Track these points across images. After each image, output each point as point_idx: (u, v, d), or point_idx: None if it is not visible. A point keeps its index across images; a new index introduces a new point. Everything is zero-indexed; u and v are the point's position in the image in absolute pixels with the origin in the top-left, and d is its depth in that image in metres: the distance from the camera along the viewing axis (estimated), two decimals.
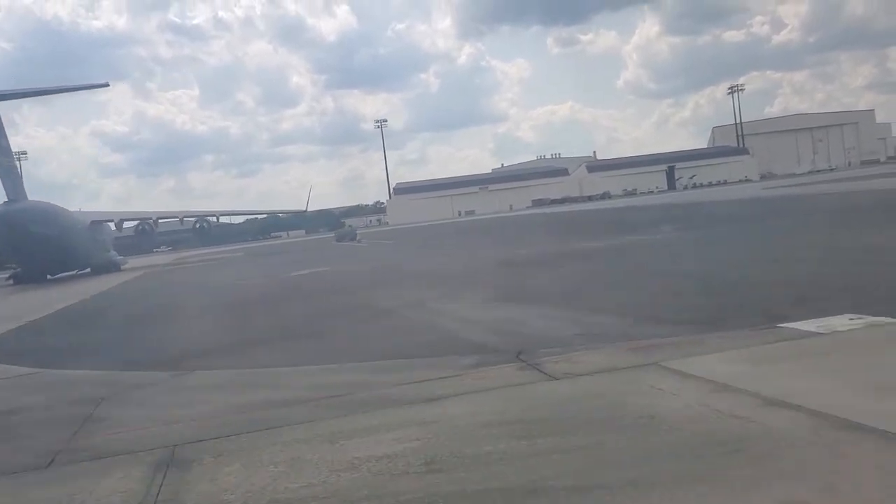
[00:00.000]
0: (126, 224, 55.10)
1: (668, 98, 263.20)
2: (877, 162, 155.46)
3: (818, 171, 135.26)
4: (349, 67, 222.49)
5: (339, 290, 19.84)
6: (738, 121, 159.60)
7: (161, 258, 78.66)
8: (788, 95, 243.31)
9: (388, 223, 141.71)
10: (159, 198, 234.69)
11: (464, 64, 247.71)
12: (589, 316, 10.49)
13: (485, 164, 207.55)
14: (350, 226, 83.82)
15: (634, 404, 5.43)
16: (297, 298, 19.19)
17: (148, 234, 54.20)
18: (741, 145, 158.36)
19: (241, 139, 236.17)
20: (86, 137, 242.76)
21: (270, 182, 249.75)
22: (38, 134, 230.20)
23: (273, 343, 11.66)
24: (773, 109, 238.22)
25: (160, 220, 56.59)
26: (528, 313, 11.37)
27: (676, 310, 10.08)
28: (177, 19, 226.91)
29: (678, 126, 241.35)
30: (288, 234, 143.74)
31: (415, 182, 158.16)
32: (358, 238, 64.18)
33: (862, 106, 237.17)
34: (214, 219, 62.13)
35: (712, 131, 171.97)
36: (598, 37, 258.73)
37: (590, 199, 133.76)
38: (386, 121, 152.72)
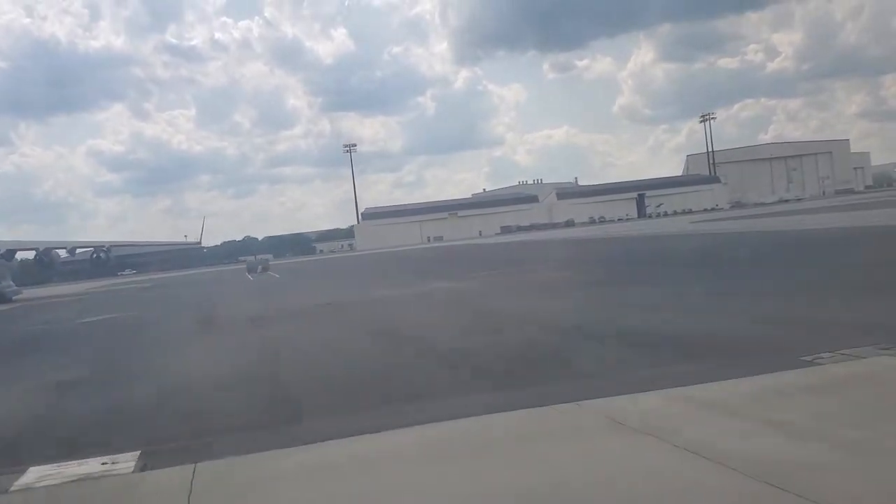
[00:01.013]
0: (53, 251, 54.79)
1: (663, 124, 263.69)
2: (851, 191, 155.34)
3: (785, 200, 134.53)
4: (345, 90, 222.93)
5: None
6: (709, 149, 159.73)
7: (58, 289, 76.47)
8: (783, 122, 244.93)
9: (355, 248, 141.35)
10: (154, 217, 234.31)
11: (460, 88, 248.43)
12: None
13: (480, 187, 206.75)
14: (262, 257, 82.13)
15: None
16: None
17: (47, 264, 53.80)
18: (713, 173, 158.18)
19: (237, 160, 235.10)
20: (82, 157, 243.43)
21: (265, 203, 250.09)
22: (34, 153, 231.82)
23: None
24: (767, 136, 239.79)
25: (56, 250, 56.11)
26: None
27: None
28: (174, 40, 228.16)
29: (673, 152, 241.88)
30: (256, 257, 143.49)
31: (384, 207, 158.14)
32: (268, 269, 63.18)
33: (856, 133, 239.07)
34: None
35: (686, 159, 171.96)
36: (595, 62, 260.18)
37: (554, 226, 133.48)
38: (355, 145, 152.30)
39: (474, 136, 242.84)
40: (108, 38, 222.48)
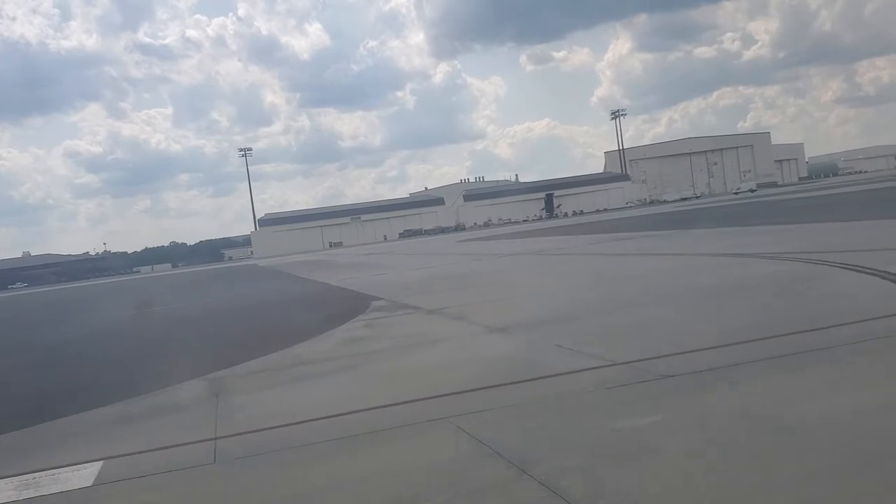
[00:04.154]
0: None
1: (642, 114, 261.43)
2: (774, 185, 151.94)
3: (685, 199, 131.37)
4: (323, 85, 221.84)
5: None
6: (620, 146, 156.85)
7: None
8: (761, 110, 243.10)
9: (253, 255, 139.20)
10: (135, 218, 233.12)
11: (439, 82, 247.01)
12: None
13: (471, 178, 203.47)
14: None
15: None
16: None
17: None
18: (623, 171, 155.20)
19: (216, 158, 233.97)
20: (59, 158, 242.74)
21: (245, 201, 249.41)
22: (10, 155, 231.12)
23: None
24: (746, 124, 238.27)
25: None
26: None
27: None
28: (149, 39, 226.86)
29: (652, 141, 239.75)
30: (153, 269, 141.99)
31: (283, 213, 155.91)
32: None
33: (834, 120, 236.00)
34: None
35: (605, 156, 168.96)
36: (572, 54, 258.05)
37: (444, 230, 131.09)
38: (251, 149, 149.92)
39: (455, 130, 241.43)
40: (79, 37, 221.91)
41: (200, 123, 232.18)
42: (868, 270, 10.58)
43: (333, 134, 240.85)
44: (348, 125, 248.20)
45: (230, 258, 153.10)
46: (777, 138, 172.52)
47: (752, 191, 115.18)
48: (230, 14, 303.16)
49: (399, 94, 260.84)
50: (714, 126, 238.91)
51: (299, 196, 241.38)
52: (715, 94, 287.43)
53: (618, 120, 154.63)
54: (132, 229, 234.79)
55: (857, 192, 50.48)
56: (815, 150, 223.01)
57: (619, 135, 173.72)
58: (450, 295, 15.79)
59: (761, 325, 7.85)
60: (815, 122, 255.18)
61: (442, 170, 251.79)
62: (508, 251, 33.33)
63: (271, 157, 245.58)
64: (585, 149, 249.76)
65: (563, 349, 7.97)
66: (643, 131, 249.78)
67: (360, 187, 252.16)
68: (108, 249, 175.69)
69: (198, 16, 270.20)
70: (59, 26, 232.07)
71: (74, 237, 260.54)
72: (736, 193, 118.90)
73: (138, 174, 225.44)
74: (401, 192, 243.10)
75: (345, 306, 15.85)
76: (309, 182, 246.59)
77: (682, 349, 7.11)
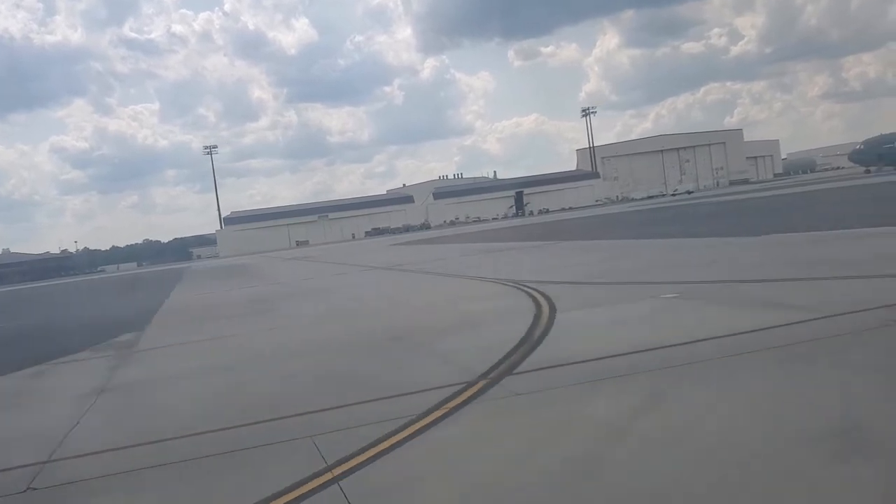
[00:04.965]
0: None
1: (629, 109, 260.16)
2: (746, 182, 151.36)
3: (650, 197, 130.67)
4: (310, 80, 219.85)
5: None
6: (591, 144, 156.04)
7: None
8: (748, 105, 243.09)
9: (219, 255, 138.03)
10: (122, 214, 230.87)
11: (427, 77, 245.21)
12: None
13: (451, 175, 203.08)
14: None
15: None
16: None
17: None
18: (594, 169, 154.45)
19: (204, 153, 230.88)
20: (46, 154, 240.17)
21: (233, 196, 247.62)
22: None
23: None
24: (734, 119, 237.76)
25: None
26: None
27: None
28: (135, 34, 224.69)
29: (639, 136, 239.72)
30: (118, 267, 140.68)
31: (250, 211, 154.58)
32: None
33: (820, 115, 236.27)
34: None
35: (577, 154, 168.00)
36: (560, 49, 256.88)
37: (408, 229, 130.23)
38: (216, 146, 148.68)
39: (444, 125, 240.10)
40: (64, 32, 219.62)
41: (187, 119, 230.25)
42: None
43: (321, 129, 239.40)
44: (336, 120, 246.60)
45: (199, 256, 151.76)
46: (763, 133, 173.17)
47: (690, 192, 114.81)
48: (216, 9, 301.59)
49: (387, 89, 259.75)
50: (702, 121, 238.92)
51: (287, 192, 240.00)
52: (702, 89, 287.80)
53: (588, 117, 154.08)
54: (117, 226, 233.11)
55: (796, 193, 49.24)
56: (801, 146, 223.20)
57: (590, 132, 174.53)
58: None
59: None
60: (802, 117, 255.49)
61: (430, 165, 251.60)
62: (387, 263, 32.47)
63: (258, 152, 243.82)
64: (573, 144, 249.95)
65: None
66: (631, 126, 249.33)
67: (349, 183, 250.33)
68: (79, 248, 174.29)
69: (184, 10, 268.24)
70: (43, 21, 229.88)
71: (59, 234, 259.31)
72: (673, 195, 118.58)
73: (124, 170, 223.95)
74: (392, 188, 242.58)
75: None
76: (297, 178, 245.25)
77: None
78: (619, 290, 11.95)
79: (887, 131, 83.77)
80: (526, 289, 13.37)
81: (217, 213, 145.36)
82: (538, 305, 11.05)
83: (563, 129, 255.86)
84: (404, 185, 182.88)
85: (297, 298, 20.03)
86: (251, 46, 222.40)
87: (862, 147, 79.75)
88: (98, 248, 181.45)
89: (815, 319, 7.34)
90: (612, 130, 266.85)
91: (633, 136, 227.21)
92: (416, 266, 26.51)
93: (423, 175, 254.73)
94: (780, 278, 10.97)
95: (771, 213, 32.37)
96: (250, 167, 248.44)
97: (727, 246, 17.57)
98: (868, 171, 75.67)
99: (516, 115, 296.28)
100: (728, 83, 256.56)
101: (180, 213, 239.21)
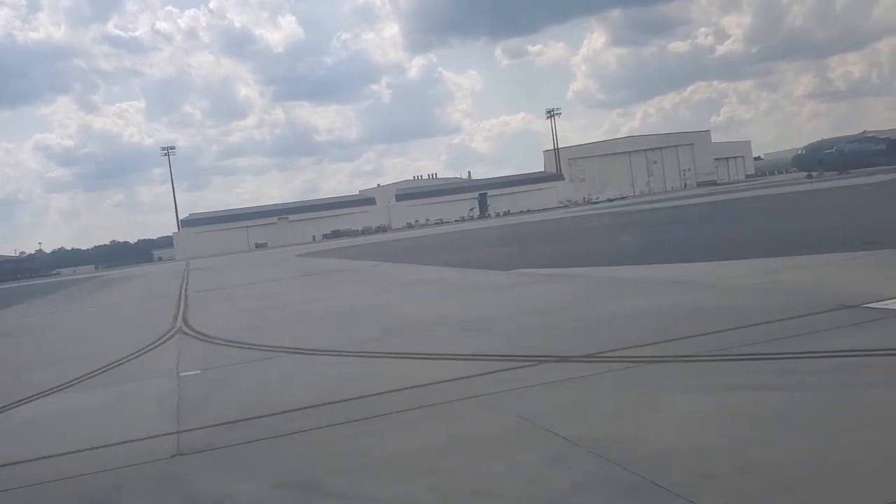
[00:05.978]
0: None
1: (617, 108, 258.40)
2: (713, 183, 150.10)
3: (611, 200, 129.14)
4: (297, 78, 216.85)
5: None
6: (555, 145, 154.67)
7: None
8: (735, 104, 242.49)
9: (174, 258, 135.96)
10: (108, 212, 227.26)
11: (415, 75, 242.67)
12: None
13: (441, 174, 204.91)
14: None
15: None
16: None
17: None
18: (558, 170, 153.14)
19: (190, 152, 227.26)
20: (29, 152, 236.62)
21: (221, 195, 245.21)
22: None
23: None
24: (720, 118, 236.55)
25: None
26: None
27: None
28: (120, 31, 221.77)
29: (626, 134, 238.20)
30: (75, 271, 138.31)
31: (208, 213, 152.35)
32: None
33: (806, 114, 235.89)
34: None
35: (544, 155, 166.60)
36: (547, 48, 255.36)
37: (364, 232, 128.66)
38: (174, 147, 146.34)
39: (432, 124, 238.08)
40: (48, 29, 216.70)
41: (173, 117, 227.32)
42: None
43: (308, 128, 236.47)
44: (323, 119, 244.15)
45: (160, 258, 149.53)
46: (749, 133, 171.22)
47: (611, 200, 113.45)
48: (202, 6, 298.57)
49: (374, 87, 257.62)
50: (689, 120, 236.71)
51: (274, 191, 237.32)
52: (689, 88, 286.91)
53: (553, 119, 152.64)
54: (98, 225, 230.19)
55: (739, 199, 47.51)
56: (787, 145, 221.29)
57: (554, 134, 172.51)
58: None
59: None
60: (788, 116, 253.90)
61: (418, 164, 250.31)
62: (247, 280, 30.75)
63: (245, 150, 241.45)
64: (560, 143, 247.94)
65: None
66: (618, 125, 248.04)
67: (337, 181, 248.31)
68: (42, 249, 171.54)
69: (169, 8, 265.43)
70: (26, 18, 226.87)
71: (40, 233, 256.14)
72: (595, 203, 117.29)
73: (107, 168, 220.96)
74: (364, 188, 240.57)
75: None
76: (284, 176, 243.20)
77: None
78: None
79: (870, 130, 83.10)
80: None
81: (174, 214, 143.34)
82: None
83: (551, 127, 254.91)
84: (378, 185, 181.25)
85: None
86: (237, 44, 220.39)
87: (803, 152, 78.67)
88: (78, 247, 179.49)
89: None
90: (599, 129, 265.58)
91: (621, 135, 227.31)
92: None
93: (411, 174, 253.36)
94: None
95: (634, 230, 30.64)
96: (237, 165, 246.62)
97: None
98: (810, 176, 74.52)
99: (504, 113, 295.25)
100: (715, 82, 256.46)
101: (164, 212, 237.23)
